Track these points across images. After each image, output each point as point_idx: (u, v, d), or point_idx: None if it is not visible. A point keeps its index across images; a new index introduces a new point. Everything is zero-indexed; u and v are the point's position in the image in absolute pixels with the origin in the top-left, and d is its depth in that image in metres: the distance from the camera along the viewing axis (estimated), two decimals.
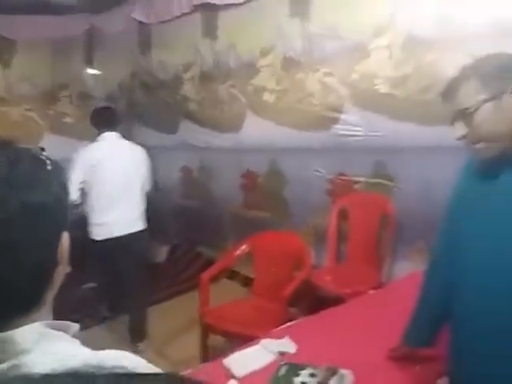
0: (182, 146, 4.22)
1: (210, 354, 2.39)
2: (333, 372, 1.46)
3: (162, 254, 4.23)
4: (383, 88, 2.80)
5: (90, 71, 4.94)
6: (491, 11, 2.24)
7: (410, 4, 2.60)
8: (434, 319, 1.37)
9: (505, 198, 1.07)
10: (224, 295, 2.69)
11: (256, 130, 3.51)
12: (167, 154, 4.43)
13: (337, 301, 2.22)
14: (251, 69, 3.52)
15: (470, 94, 1.04)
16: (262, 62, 3.46)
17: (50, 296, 0.57)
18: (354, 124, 2.89)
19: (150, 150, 4.56)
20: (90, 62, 4.92)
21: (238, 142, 3.68)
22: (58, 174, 0.58)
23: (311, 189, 3.16)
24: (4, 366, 0.47)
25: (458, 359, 1.23)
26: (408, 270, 2.51)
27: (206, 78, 3.94)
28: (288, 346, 1.65)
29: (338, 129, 2.96)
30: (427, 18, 2.53)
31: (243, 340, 1.98)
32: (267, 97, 3.47)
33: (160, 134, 4.44)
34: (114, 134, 2.87)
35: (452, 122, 1.10)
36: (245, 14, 3.43)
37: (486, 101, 1.03)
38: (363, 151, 2.84)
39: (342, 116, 2.95)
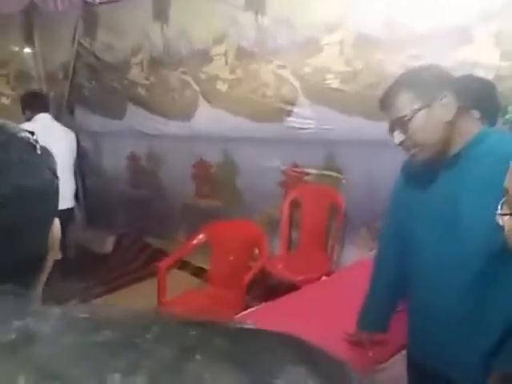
0: (130, 132, 4.09)
1: None
2: None
3: (108, 244, 4.13)
4: (334, 83, 2.90)
5: (29, 50, 4.63)
6: (436, 17, 2.40)
7: (362, 4, 2.72)
8: (386, 304, 1.47)
9: (440, 197, 1.18)
10: (176, 285, 2.69)
11: (209, 118, 3.49)
12: (113, 140, 4.30)
13: (289, 288, 2.32)
14: (204, 57, 3.49)
15: (406, 103, 1.12)
16: (215, 50, 3.44)
17: (41, 283, 0.56)
18: (306, 117, 2.98)
19: (95, 136, 4.43)
20: (29, 41, 4.61)
21: (189, 130, 3.64)
22: (47, 158, 0.57)
23: (264, 179, 3.22)
24: None
25: (413, 336, 1.35)
26: (354, 256, 2.67)
27: (155, 63, 3.84)
28: None
29: (291, 121, 3.03)
30: (377, 19, 2.65)
31: None
32: (220, 86, 3.46)
33: (105, 119, 4.28)
34: (47, 115, 3.15)
35: (390, 130, 1.18)
36: (198, 0, 3.39)
37: (419, 109, 1.11)
38: (315, 144, 2.94)
39: (295, 109, 3.03)
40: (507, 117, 2.07)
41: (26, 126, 2.91)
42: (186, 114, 3.67)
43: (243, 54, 3.29)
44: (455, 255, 1.15)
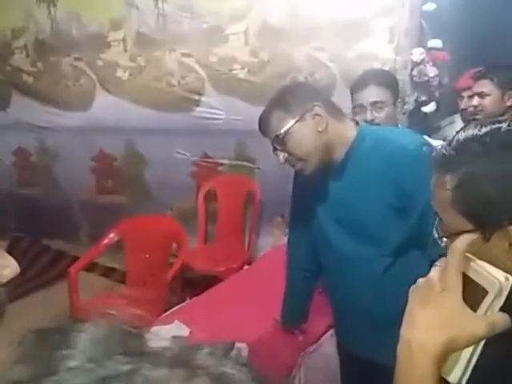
0: (16, 125, 3.67)
1: None
2: (230, 347, 1.53)
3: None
4: (241, 73, 2.91)
5: None
6: (338, 10, 2.52)
7: None
8: (302, 298, 1.54)
9: (334, 202, 1.24)
10: (84, 288, 2.50)
11: (109, 108, 3.26)
12: None
13: (210, 280, 2.30)
14: (100, 42, 3.24)
15: (278, 122, 1.17)
16: (113, 35, 3.22)
17: None
18: (215, 107, 2.95)
19: None
20: None
21: (87, 121, 3.37)
22: None
23: (174, 171, 3.12)
24: None
25: (335, 323, 1.44)
26: (271, 245, 2.74)
27: (43, 47, 3.47)
28: (180, 329, 1.65)
29: (200, 111, 2.98)
30: (282, 10, 2.71)
31: None
32: (120, 73, 3.25)
33: None
34: None
35: (273, 151, 1.22)
36: None
37: (292, 125, 1.17)
38: (225, 134, 2.93)
39: (203, 98, 2.97)
40: (404, 107, 2.28)
41: None
42: (83, 104, 3.39)
43: (144, 41, 3.13)
44: (361, 252, 1.22)
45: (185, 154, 3.11)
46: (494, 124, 0.56)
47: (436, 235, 0.64)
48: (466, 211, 0.57)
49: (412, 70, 2.26)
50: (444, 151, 0.58)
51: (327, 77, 2.61)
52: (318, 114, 1.16)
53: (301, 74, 2.69)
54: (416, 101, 2.30)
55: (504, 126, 0.55)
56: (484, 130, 0.56)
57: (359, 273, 1.23)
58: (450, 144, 0.58)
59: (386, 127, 1.47)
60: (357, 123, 1.27)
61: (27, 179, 3.89)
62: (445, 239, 0.63)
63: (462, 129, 0.59)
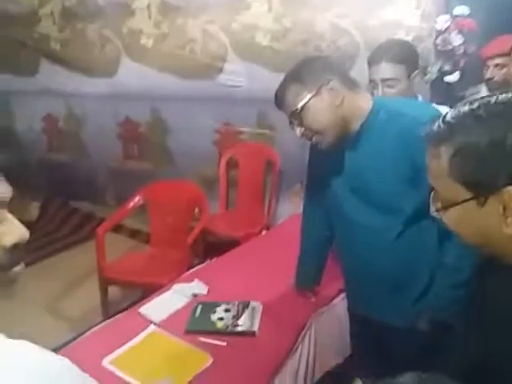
0: (45, 91, 3.77)
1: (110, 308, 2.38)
2: (245, 305, 1.63)
3: (33, 211, 3.88)
4: (264, 40, 2.91)
5: None
6: None
7: None
8: (315, 263, 1.60)
9: (349, 172, 1.27)
10: (112, 248, 2.64)
11: (134, 75, 3.32)
12: (26, 100, 3.94)
13: (230, 244, 2.39)
14: (125, 9, 3.26)
15: (294, 97, 1.19)
16: (138, 3, 3.24)
17: None
18: (237, 74, 2.96)
19: (4, 95, 4.02)
20: None
21: (113, 88, 3.44)
22: None
23: (197, 138, 3.18)
24: None
25: (346, 287, 1.50)
26: (290, 211, 2.80)
27: (69, 15, 3.52)
28: (200, 287, 1.76)
29: (223, 78, 3.00)
30: None
31: (146, 290, 2.04)
32: (145, 41, 3.29)
33: (15, 78, 3.89)
34: None
35: (290, 125, 1.24)
36: None
37: (308, 99, 1.18)
38: (247, 101, 2.95)
39: (226, 66, 2.99)
40: (427, 77, 2.25)
41: None
42: (108, 71, 3.45)
43: (168, 8, 3.14)
44: (375, 220, 1.26)
45: (207, 121, 3.16)
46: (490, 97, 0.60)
47: (432, 209, 0.68)
48: (463, 178, 0.61)
49: (436, 38, 2.21)
50: (438, 126, 0.63)
51: (350, 44, 2.58)
52: (333, 88, 1.18)
53: (323, 41, 2.67)
54: (439, 70, 2.26)
55: (493, 98, 0.59)
56: (476, 104, 0.59)
57: (372, 240, 1.28)
58: (443, 119, 0.62)
59: (400, 100, 1.47)
60: (372, 95, 1.29)
61: (56, 145, 4.03)
62: (437, 213, 0.67)
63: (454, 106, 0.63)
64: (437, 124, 0.63)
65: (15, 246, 0.58)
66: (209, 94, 3.04)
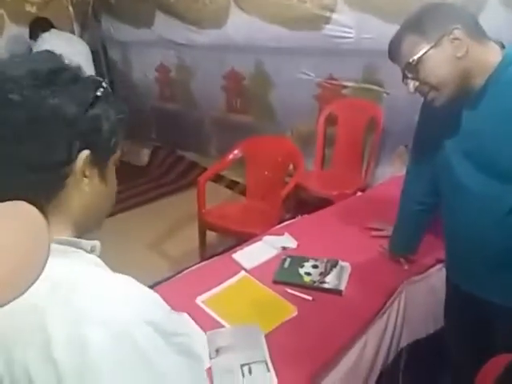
0: (159, 41, 3.96)
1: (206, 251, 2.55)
2: (333, 264, 1.62)
3: (143, 156, 4.23)
4: None
5: None
6: None
7: None
8: (414, 230, 1.52)
9: (465, 133, 1.15)
10: (212, 197, 2.79)
11: (241, 26, 3.32)
12: (142, 50, 4.19)
13: (322, 202, 2.37)
14: None
15: (411, 48, 1.07)
16: None
17: (68, 208, 0.59)
18: (346, 25, 2.80)
19: (123, 46, 4.32)
20: None
21: (221, 39, 3.49)
22: None
23: (298, 93, 3.13)
24: None
25: (449, 259, 1.40)
26: (389, 175, 2.67)
27: None
28: (289, 241, 1.79)
29: (330, 29, 2.86)
30: None
31: (240, 238, 2.13)
32: None
33: (133, 29, 4.13)
34: (52, 31, 3.43)
35: (403, 79, 1.13)
36: None
37: (426, 51, 1.06)
38: (354, 54, 2.79)
39: (334, 16, 2.84)
40: None
41: (36, 46, 3.32)
42: (218, 22, 3.49)
43: None
44: (489, 188, 1.14)
45: (310, 75, 3.07)
46: None
47: None
48: None
49: None
50: None
51: None
52: (457, 38, 1.06)
53: None
54: None
55: None
56: None
57: (483, 209, 1.17)
58: None
59: None
60: (503, 46, 1.13)
61: (167, 94, 4.27)
62: None
63: None
64: None
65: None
66: (314, 46, 2.93)
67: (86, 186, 0.59)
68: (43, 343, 0.50)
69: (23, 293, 0.40)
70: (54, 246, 0.54)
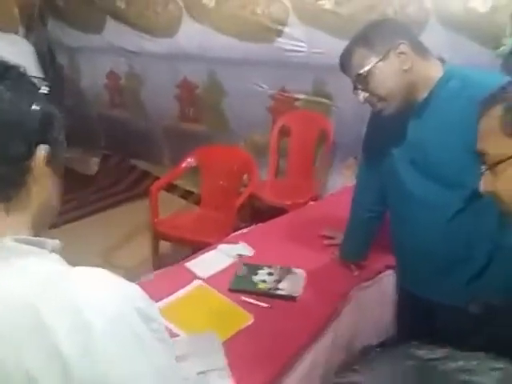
0: (109, 48, 3.88)
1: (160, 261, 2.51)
2: (287, 271, 1.66)
3: (92, 165, 4.10)
4: (328, 4, 2.80)
5: None
6: None
7: None
8: (363, 237, 1.59)
9: (410, 143, 1.22)
10: (165, 207, 2.76)
11: (194, 36, 3.32)
12: (91, 56, 4.07)
13: (276, 211, 2.41)
14: None
15: (361, 60, 1.15)
16: None
17: (27, 205, 0.58)
18: (297, 39, 2.89)
19: (71, 51, 4.18)
20: None
21: (173, 48, 3.47)
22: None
23: (251, 103, 3.18)
24: None
25: (398, 265, 1.47)
26: (341, 185, 2.77)
27: None
28: (245, 249, 1.80)
29: (281, 42, 2.94)
30: None
31: (194, 247, 2.12)
32: (206, 1, 3.27)
33: (82, 34, 4.02)
34: None
35: (354, 90, 1.20)
36: None
37: (375, 63, 1.13)
38: (305, 68, 2.89)
39: (286, 29, 2.92)
40: (500, 50, 2.08)
41: None
42: (169, 31, 3.47)
43: None
44: (433, 194, 1.21)
45: (263, 86, 3.13)
46: None
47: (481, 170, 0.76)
48: None
49: None
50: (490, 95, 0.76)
51: (419, 11, 2.43)
52: (403, 52, 1.13)
53: (391, 6, 2.53)
54: None
55: None
56: None
57: (429, 215, 1.24)
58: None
59: (476, 68, 1.37)
60: (443, 62, 1.22)
61: (117, 102, 4.17)
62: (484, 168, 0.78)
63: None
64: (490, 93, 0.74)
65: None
66: (266, 58, 2.99)
67: (45, 182, 0.59)
68: (43, 340, 0.50)
69: None
70: (18, 245, 0.54)
